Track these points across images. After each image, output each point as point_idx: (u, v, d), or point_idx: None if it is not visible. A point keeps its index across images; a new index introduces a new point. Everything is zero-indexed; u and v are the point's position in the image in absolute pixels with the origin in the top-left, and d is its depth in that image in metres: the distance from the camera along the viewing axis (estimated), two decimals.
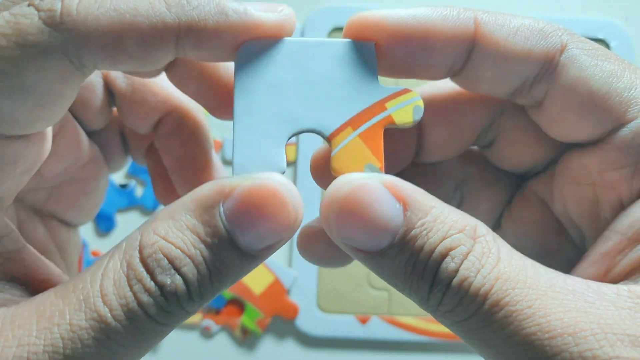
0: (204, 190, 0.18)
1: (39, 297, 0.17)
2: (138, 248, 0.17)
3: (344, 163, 0.21)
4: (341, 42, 0.21)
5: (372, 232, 0.18)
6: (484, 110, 0.24)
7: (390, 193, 0.18)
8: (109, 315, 0.16)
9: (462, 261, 0.17)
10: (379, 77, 0.21)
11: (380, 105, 0.21)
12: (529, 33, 0.20)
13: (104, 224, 0.51)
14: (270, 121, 0.21)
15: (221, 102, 0.23)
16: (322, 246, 0.22)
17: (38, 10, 0.17)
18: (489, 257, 0.18)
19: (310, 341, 0.51)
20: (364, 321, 0.50)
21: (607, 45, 0.51)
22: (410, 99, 0.21)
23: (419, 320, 0.50)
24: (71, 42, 0.17)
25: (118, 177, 0.51)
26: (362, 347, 0.51)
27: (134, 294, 0.17)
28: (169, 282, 0.17)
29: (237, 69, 0.20)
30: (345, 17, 0.50)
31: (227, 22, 0.18)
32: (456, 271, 0.17)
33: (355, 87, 0.21)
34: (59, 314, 0.17)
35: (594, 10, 0.52)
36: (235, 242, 0.17)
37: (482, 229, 0.18)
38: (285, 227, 0.18)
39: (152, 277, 0.17)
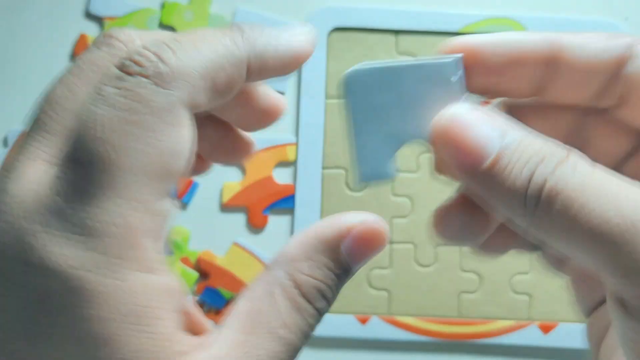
0: (327, 233, 0.23)
1: (230, 335, 0.22)
2: (295, 286, 0.22)
3: (444, 165, 0.26)
4: (429, 62, 0.24)
5: (476, 138, 0.22)
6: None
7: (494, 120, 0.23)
8: (297, 340, 0.22)
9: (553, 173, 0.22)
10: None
11: None
12: (600, 36, 0.24)
13: None
14: (380, 139, 0.26)
15: (256, 120, 0.27)
16: (457, 220, 0.26)
17: (146, 77, 0.20)
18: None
19: (310, 341, 0.51)
20: (363, 321, 0.50)
21: None
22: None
23: (419, 320, 0.50)
24: (185, 96, 0.20)
25: None
26: (362, 347, 0.51)
27: (307, 322, 0.22)
28: (322, 306, 0.23)
29: (347, 96, 0.25)
30: (345, 17, 0.50)
31: (285, 56, 0.23)
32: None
33: (446, 99, 0.24)
34: (257, 345, 0.22)
35: (594, 10, 0.52)
36: (349, 269, 0.23)
37: (576, 152, 0.22)
38: (381, 251, 0.24)
39: (313, 305, 0.22)
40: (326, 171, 0.50)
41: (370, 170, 0.26)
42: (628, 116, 0.25)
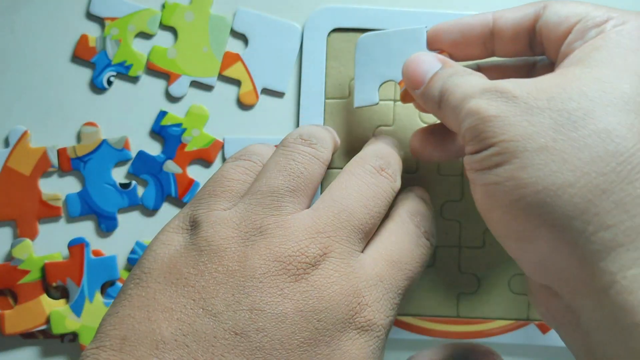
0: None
1: None
2: None
3: (407, 95, 0.41)
4: (406, 30, 0.40)
5: (422, 69, 0.36)
6: None
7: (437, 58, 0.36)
8: None
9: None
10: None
11: None
12: (525, 5, 0.37)
13: (106, 223, 0.51)
14: (371, 78, 0.42)
15: None
16: (426, 141, 0.41)
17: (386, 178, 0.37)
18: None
19: None
20: None
21: None
22: None
23: (419, 320, 0.50)
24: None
25: (119, 176, 0.51)
26: None
27: None
28: None
29: (356, 51, 0.43)
30: (345, 18, 0.50)
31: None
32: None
33: (415, 52, 0.38)
34: None
35: None
36: None
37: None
38: None
39: None
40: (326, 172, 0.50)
41: (363, 98, 0.43)
42: (552, 58, 0.35)
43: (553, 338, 0.50)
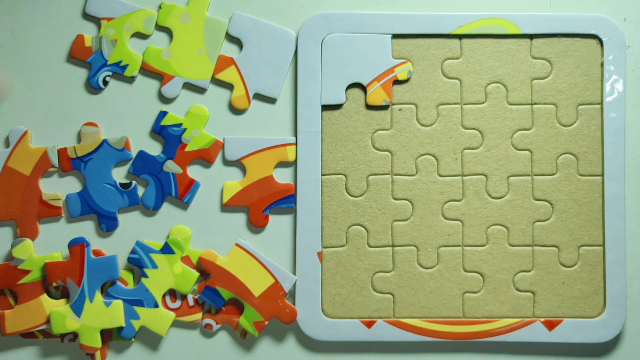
0: None
1: None
2: None
3: (374, 99, 0.46)
4: (373, 35, 0.45)
5: None
6: None
7: None
8: None
9: None
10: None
11: (391, 70, 0.48)
12: None
13: (106, 223, 0.51)
14: (337, 76, 0.47)
15: None
16: None
17: None
18: None
19: (315, 345, 0.51)
20: (369, 325, 0.50)
21: (600, 41, 0.50)
22: (406, 66, 0.48)
23: (424, 321, 0.50)
24: None
25: (120, 176, 0.51)
26: (369, 350, 0.51)
27: None
28: None
29: (323, 50, 0.45)
30: (339, 24, 0.50)
31: None
32: None
33: (379, 59, 0.44)
34: None
35: (592, 10, 0.51)
36: None
37: None
38: None
39: None
40: (325, 177, 0.50)
41: (329, 96, 0.47)
42: None
43: (559, 334, 0.49)
